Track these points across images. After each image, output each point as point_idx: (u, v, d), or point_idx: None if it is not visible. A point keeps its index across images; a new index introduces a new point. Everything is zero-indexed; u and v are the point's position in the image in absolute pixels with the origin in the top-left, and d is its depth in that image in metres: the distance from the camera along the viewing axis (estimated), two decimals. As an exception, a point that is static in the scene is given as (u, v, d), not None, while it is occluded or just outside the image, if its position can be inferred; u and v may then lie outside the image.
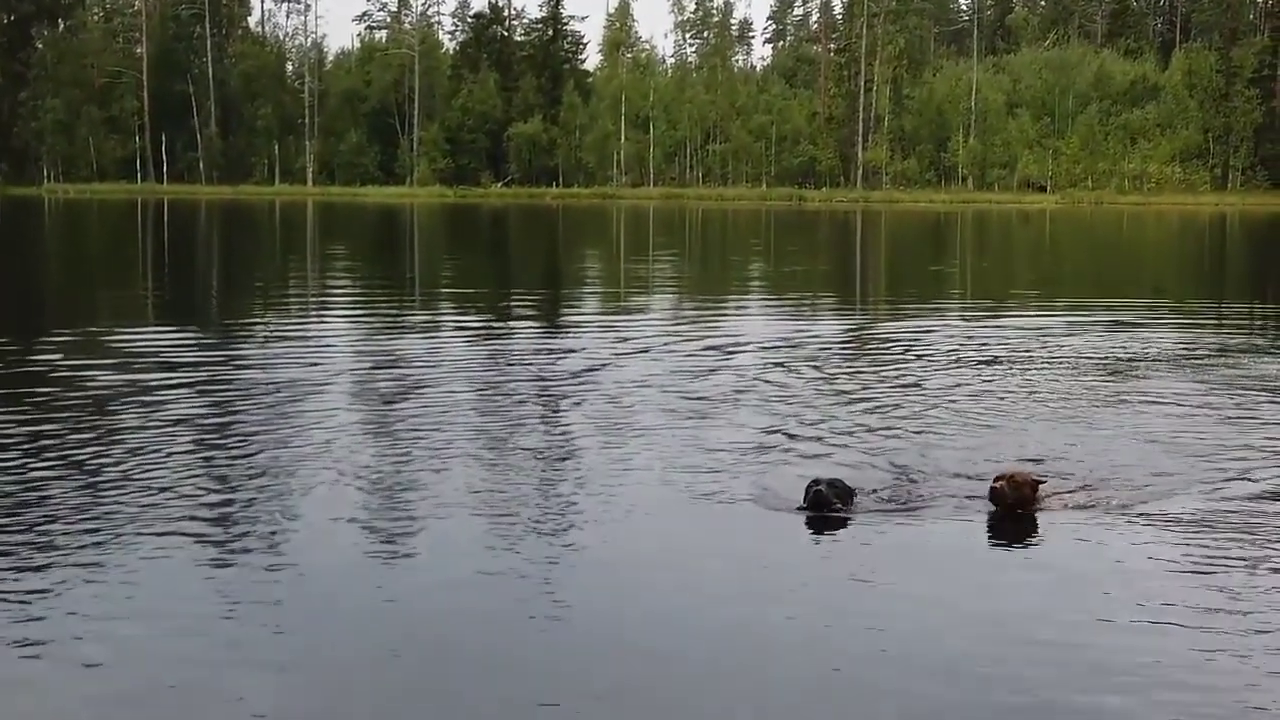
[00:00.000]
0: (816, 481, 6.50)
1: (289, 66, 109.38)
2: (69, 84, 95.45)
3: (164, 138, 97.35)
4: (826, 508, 6.35)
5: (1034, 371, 11.59)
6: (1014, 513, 6.41)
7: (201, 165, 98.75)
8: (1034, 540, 6.15)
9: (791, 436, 8.30)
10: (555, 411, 9.17)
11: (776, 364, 11.76)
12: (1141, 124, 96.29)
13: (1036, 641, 4.75)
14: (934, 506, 6.65)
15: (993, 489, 6.46)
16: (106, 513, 6.14)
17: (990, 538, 6.24)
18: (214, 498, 6.50)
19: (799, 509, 6.39)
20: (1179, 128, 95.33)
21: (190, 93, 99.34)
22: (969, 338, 14.23)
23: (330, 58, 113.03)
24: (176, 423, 8.38)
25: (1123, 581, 5.42)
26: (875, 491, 6.85)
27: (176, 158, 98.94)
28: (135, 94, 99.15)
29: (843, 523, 6.28)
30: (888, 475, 7.26)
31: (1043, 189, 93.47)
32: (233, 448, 7.62)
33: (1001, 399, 10.00)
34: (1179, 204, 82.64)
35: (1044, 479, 6.74)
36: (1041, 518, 6.41)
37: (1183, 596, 5.20)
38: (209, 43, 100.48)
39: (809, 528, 6.23)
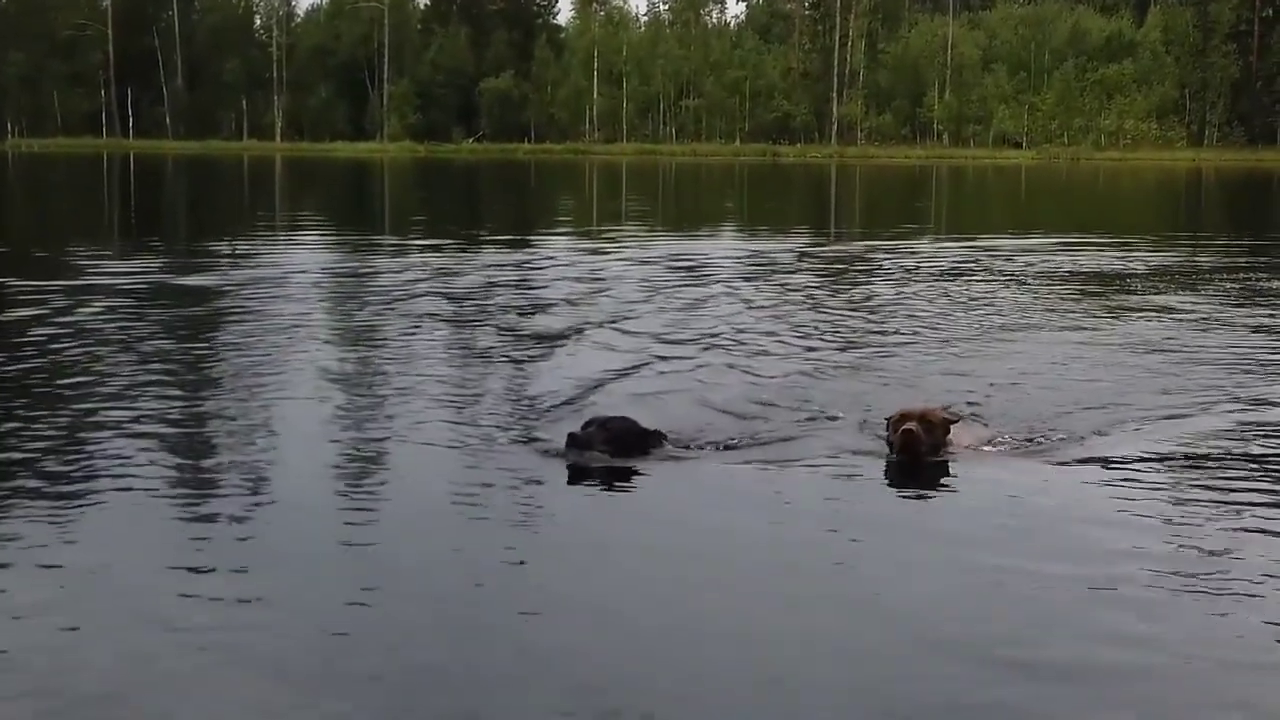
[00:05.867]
0: (589, 422, 5.28)
1: (257, 20, 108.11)
2: (32, 38, 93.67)
3: (130, 92, 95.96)
4: (584, 450, 5.13)
5: (973, 288, 11.39)
6: (920, 460, 5.04)
7: (168, 120, 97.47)
8: (932, 496, 4.86)
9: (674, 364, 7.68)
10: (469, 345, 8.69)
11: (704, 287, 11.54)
12: (1118, 80, 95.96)
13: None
14: (798, 450, 5.34)
15: (905, 431, 5.02)
16: (68, 445, 5.77)
17: (876, 491, 4.91)
18: (177, 433, 6.10)
19: (558, 454, 5.24)
20: (1155, 84, 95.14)
21: (156, 46, 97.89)
22: (922, 261, 14.05)
23: (299, 12, 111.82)
24: (141, 361, 7.97)
25: (1050, 544, 4.31)
26: (745, 422, 5.84)
27: (142, 112, 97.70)
28: (100, 48, 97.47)
29: (610, 473, 5.01)
30: (755, 411, 6.14)
31: (1018, 145, 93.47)
32: (196, 387, 7.23)
33: (933, 318, 9.59)
34: (1155, 160, 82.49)
35: (956, 417, 5.42)
36: (954, 466, 5.09)
37: (1119, 554, 4.22)
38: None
39: (564, 480, 5.07)
